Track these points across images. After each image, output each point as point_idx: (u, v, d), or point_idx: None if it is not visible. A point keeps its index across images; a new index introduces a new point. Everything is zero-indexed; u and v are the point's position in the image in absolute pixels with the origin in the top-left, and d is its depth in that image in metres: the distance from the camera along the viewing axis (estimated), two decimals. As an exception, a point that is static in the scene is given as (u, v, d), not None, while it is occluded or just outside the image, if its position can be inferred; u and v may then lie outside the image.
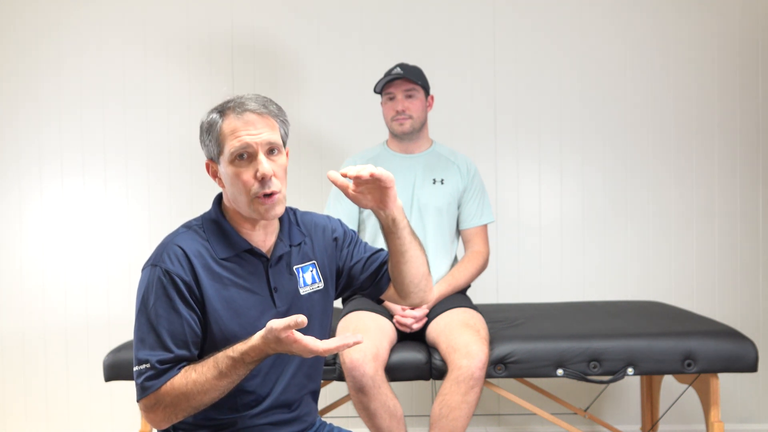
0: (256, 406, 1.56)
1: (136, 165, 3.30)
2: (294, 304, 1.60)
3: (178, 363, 1.47)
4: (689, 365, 2.28)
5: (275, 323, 1.36)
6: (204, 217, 1.58)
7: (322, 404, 2.72)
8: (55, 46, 3.28)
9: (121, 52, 3.29)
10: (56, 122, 3.29)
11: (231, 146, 1.48)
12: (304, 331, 1.50)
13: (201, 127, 1.56)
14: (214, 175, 1.57)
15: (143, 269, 1.53)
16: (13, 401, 3.30)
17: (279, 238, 1.60)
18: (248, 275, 1.55)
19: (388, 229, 1.57)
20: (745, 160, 3.27)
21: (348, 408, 3.06)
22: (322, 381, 1.87)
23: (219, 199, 1.61)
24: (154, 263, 1.50)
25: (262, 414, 1.57)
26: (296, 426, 1.63)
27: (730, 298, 3.28)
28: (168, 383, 1.44)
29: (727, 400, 3.17)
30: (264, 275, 1.57)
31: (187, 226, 1.58)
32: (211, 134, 1.52)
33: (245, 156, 1.48)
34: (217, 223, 1.56)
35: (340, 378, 2.24)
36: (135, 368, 1.47)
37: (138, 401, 1.48)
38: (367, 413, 2.15)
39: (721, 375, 2.56)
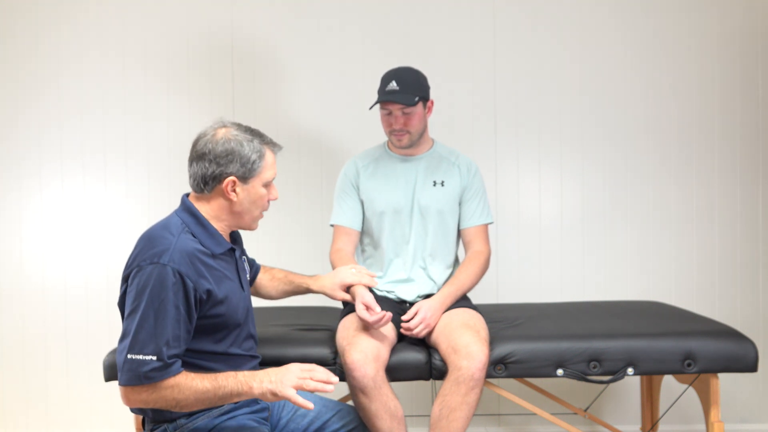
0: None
1: (136, 165, 3.30)
2: (247, 285, 2.01)
3: (175, 358, 1.70)
4: (689, 365, 2.28)
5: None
6: (186, 222, 1.81)
7: (322, 404, 2.72)
8: (55, 48, 3.28)
9: (121, 53, 3.29)
10: (56, 122, 3.29)
11: (270, 175, 1.89)
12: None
13: (238, 146, 1.80)
14: (233, 190, 1.83)
15: (147, 264, 1.71)
16: (13, 401, 3.30)
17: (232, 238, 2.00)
18: (229, 266, 1.89)
19: (295, 292, 2.27)
20: (745, 160, 3.27)
21: (348, 408, 3.06)
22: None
23: (190, 205, 1.85)
24: (165, 262, 1.70)
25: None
26: None
27: (730, 298, 3.28)
28: (172, 378, 1.68)
29: (727, 400, 3.18)
30: (234, 266, 1.92)
31: (177, 231, 1.78)
32: (250, 158, 1.82)
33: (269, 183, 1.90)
34: (205, 227, 1.84)
35: (341, 378, 2.24)
36: (138, 356, 1.66)
37: (127, 385, 1.67)
38: (367, 414, 2.15)
39: (721, 375, 2.56)
